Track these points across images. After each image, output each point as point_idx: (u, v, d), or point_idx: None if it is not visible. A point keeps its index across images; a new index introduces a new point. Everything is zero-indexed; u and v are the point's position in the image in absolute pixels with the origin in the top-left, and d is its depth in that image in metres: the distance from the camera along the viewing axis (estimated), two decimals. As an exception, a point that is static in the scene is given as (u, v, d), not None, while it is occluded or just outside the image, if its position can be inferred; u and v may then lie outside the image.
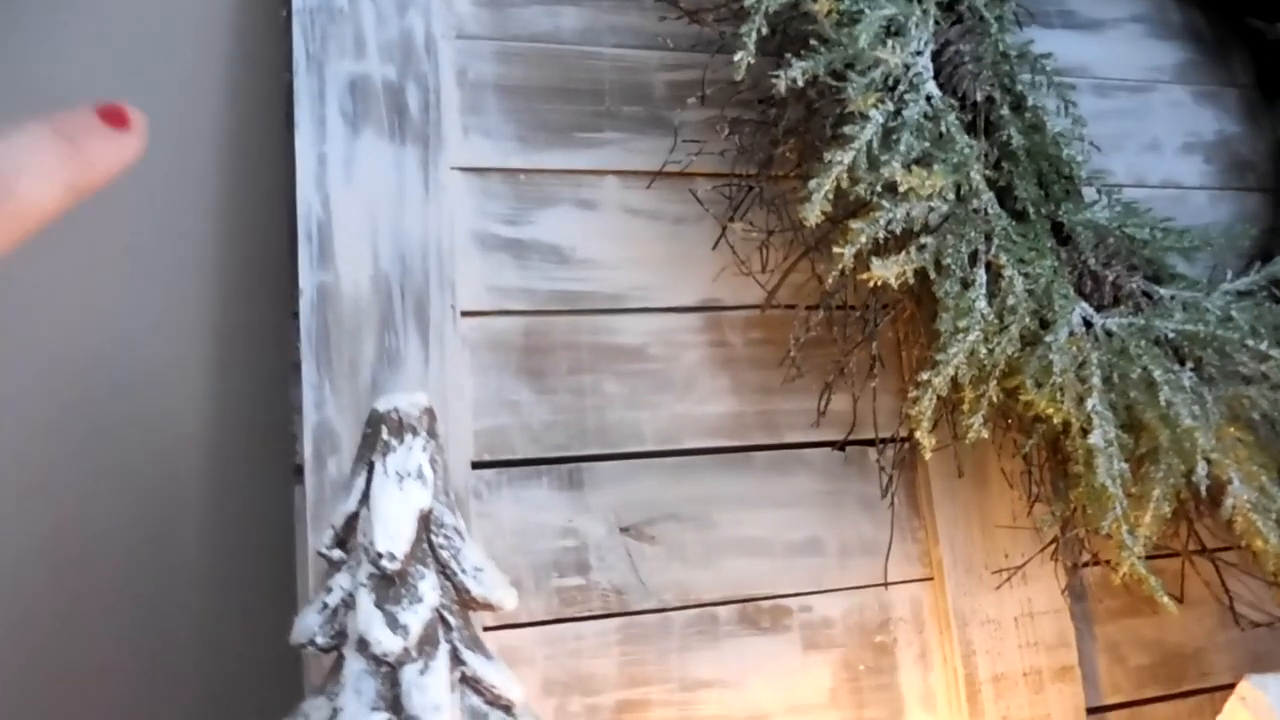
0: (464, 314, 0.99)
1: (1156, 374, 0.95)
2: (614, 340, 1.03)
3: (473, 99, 1.04)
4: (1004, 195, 1.03)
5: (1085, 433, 0.93)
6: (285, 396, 0.96)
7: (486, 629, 0.93)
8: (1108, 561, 1.00)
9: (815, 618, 1.02)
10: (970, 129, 1.04)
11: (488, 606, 0.70)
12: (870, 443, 1.06)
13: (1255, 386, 0.98)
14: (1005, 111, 1.04)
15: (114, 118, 0.39)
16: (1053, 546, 1.04)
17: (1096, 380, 0.95)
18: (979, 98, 1.04)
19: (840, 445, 1.06)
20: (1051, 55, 1.06)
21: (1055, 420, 0.94)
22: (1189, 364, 1.01)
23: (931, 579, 1.06)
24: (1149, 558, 1.08)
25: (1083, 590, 1.11)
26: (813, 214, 0.90)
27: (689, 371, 1.04)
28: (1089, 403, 0.93)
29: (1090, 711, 1.08)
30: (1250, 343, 0.99)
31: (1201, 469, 0.93)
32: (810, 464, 1.06)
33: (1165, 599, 0.93)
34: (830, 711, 1.01)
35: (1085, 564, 1.05)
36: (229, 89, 1.07)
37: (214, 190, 1.05)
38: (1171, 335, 1.00)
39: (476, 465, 0.96)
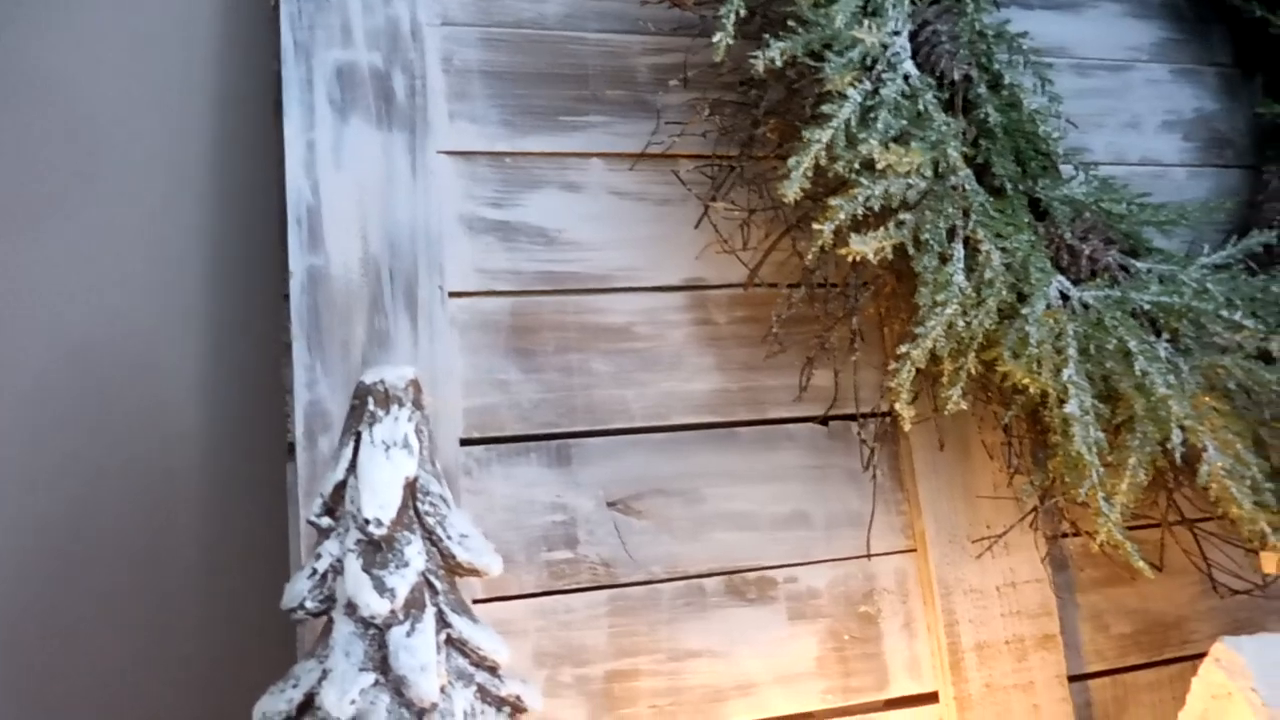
0: (452, 295, 1.01)
1: (1132, 344, 0.97)
2: (601, 319, 1.05)
3: (459, 85, 1.06)
4: (982, 172, 1.05)
5: (1062, 402, 0.95)
6: (278, 377, 0.98)
7: (478, 601, 0.96)
8: (1087, 531, 1.02)
9: (801, 588, 1.04)
10: (948, 107, 1.06)
11: (473, 572, 0.72)
12: (853, 417, 1.08)
13: (1230, 356, 1.00)
14: (982, 90, 1.06)
15: None
16: (1033, 516, 1.06)
17: (1073, 351, 0.96)
18: (956, 76, 1.06)
19: (824, 420, 1.08)
20: (1028, 34, 1.08)
21: (1033, 391, 0.95)
22: (1165, 335, 1.03)
23: (915, 550, 1.08)
24: (1130, 528, 1.10)
25: (1065, 560, 1.12)
26: (791, 191, 0.92)
27: (675, 349, 1.06)
28: (1065, 373, 0.95)
29: (1073, 679, 1.10)
30: (1225, 313, 1.01)
31: (1176, 437, 0.95)
32: (795, 439, 1.08)
33: (1142, 564, 0.95)
34: (817, 680, 1.03)
35: (1065, 534, 1.07)
36: (219, 79, 1.09)
37: (206, 178, 1.07)
38: (1147, 307, 1.02)
39: (466, 442, 0.98)
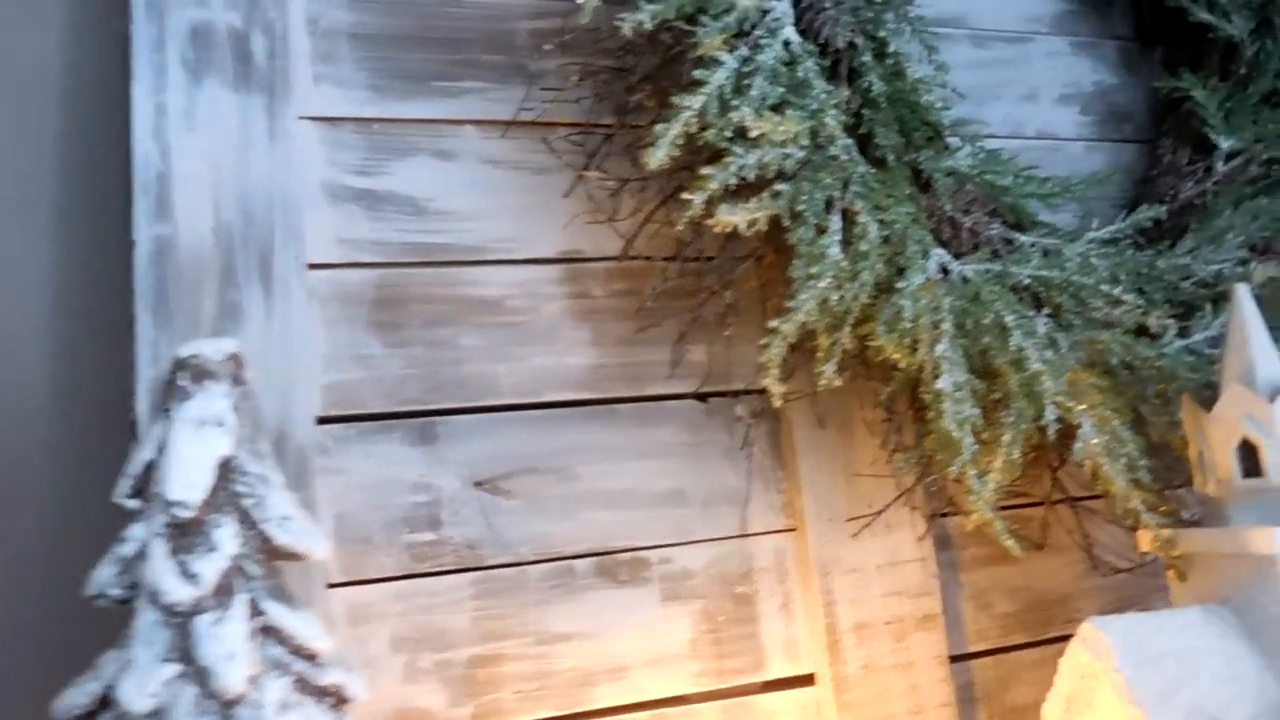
0: (312, 267, 0.97)
1: (1009, 319, 0.95)
2: (472, 292, 1.01)
3: (325, 47, 1.02)
4: (865, 143, 1.03)
5: (936, 378, 0.93)
6: (127, 353, 0.94)
7: (333, 585, 0.92)
8: (965, 510, 1.00)
9: (676, 569, 1.02)
10: (832, 75, 1.03)
11: (294, 555, 0.69)
12: (732, 394, 1.05)
13: (1109, 331, 0.99)
14: (868, 58, 1.03)
15: None
16: (911, 494, 1.04)
17: (948, 325, 0.95)
18: (841, 44, 1.03)
19: (702, 397, 1.06)
20: (915, 2, 1.05)
21: (904, 365, 0.94)
22: (1047, 310, 1.02)
23: (795, 529, 1.06)
24: (1014, 506, 1.09)
25: (949, 539, 1.11)
26: (655, 160, 0.89)
27: (550, 324, 1.03)
28: (939, 348, 0.93)
29: (955, 659, 1.08)
30: (1105, 288, 1.00)
31: (1051, 414, 0.93)
32: (674, 415, 1.05)
33: (1012, 543, 0.93)
34: (690, 662, 1.01)
35: (945, 513, 1.05)
36: (64, 39, 1.04)
37: (50, 143, 1.02)
38: (1028, 281, 1.00)
39: (325, 420, 0.95)
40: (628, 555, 1.01)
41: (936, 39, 1.21)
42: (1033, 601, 1.14)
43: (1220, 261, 1.10)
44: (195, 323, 0.91)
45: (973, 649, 1.11)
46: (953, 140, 1.08)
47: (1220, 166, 1.19)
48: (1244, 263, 1.10)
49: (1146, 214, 1.12)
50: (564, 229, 1.04)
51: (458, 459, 0.98)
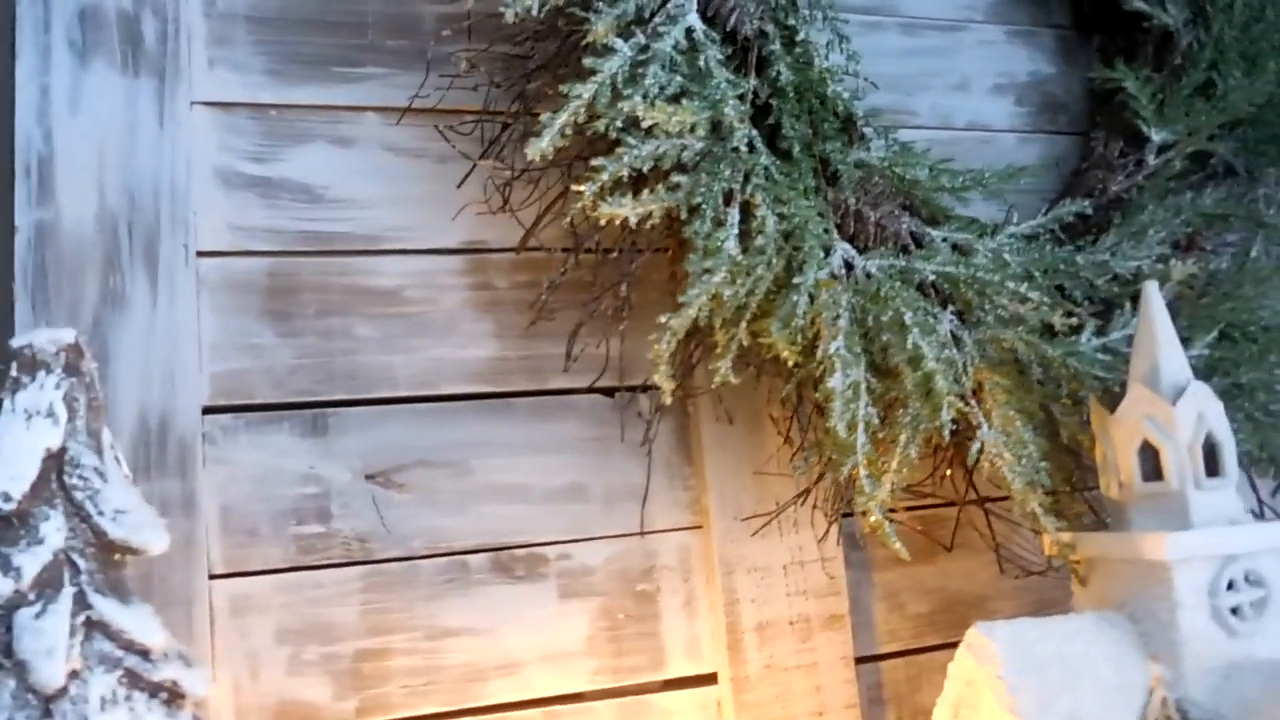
0: (202, 254, 0.95)
1: (907, 316, 0.93)
2: (368, 282, 1.00)
3: (221, 30, 1.00)
4: (774, 133, 1.00)
5: (828, 377, 0.91)
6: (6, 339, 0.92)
7: (216, 576, 0.91)
8: (863, 511, 0.98)
9: (574, 565, 1.00)
10: (741, 64, 1.01)
11: (129, 549, 0.67)
12: (636, 388, 1.03)
13: (1013, 329, 0.97)
14: (777, 46, 1.00)
15: None
16: (814, 494, 1.02)
17: (843, 323, 0.92)
18: (749, 32, 1.00)
19: (608, 391, 1.04)
20: (826, -11, 1.03)
21: (792, 363, 0.91)
22: (953, 307, 0.99)
23: (701, 526, 1.05)
24: (926, 506, 1.07)
25: (863, 538, 1.09)
26: (536, 150, 0.87)
27: (449, 314, 1.01)
28: (832, 345, 0.91)
29: (864, 660, 1.07)
30: (1011, 285, 0.97)
31: (947, 414, 0.91)
32: (577, 409, 1.03)
33: (900, 546, 0.91)
34: (587, 659, 0.99)
35: (849, 513, 1.03)
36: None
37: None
38: (933, 277, 0.98)
39: (211, 410, 0.93)
40: (524, 551, 0.99)
41: (864, 27, 1.20)
42: (947, 602, 1.12)
43: (1141, 258, 1.07)
44: (76, 309, 0.90)
45: (884, 649, 1.09)
46: (869, 131, 1.05)
47: (1151, 159, 1.16)
48: (1164, 259, 1.07)
49: (1068, 208, 1.09)
50: (467, 218, 1.02)
51: (349, 451, 0.96)
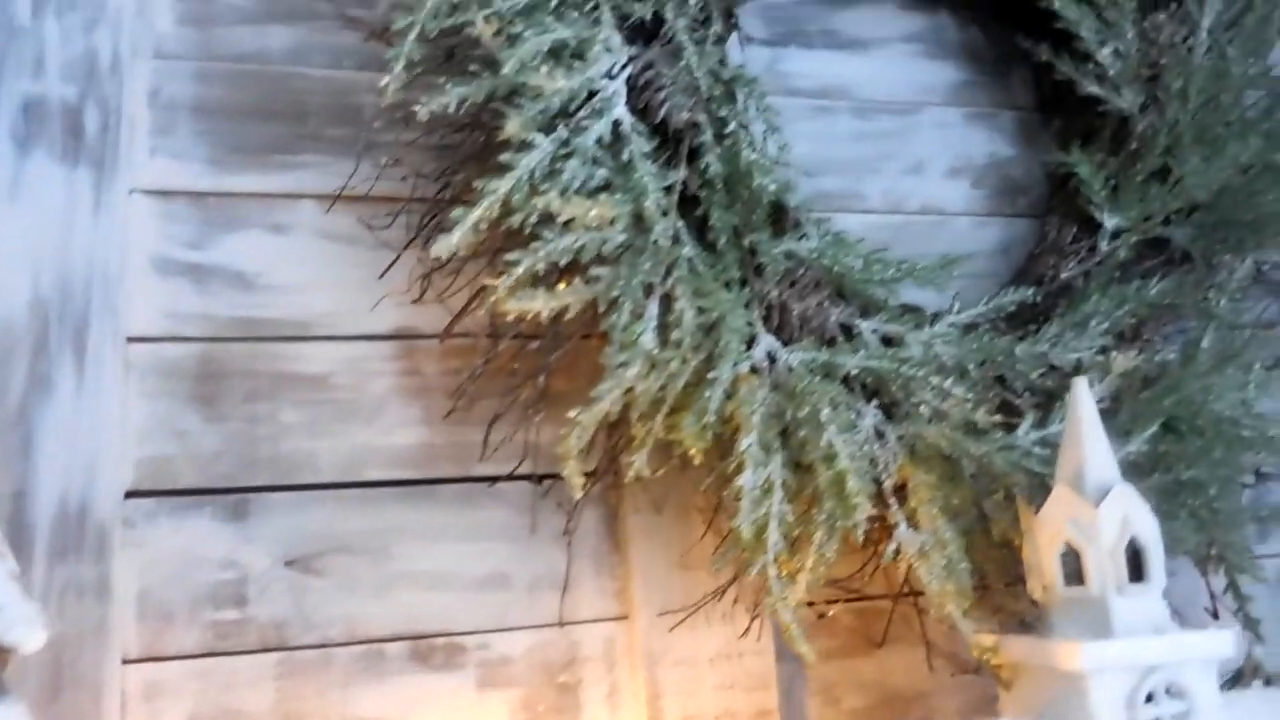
0: (134, 340, 0.97)
1: (824, 413, 0.92)
2: (297, 368, 1.01)
3: (165, 120, 1.02)
4: (703, 224, 1.00)
5: (738, 474, 0.90)
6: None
7: (129, 661, 0.92)
8: (809, 602, 0.97)
9: (494, 655, 1.00)
10: (673, 156, 1.01)
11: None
12: (557, 476, 1.03)
13: (935, 425, 0.95)
14: (708, 138, 1.01)
15: None
16: (739, 586, 1.00)
17: (757, 419, 0.92)
18: (680, 123, 1.01)
19: (536, 479, 1.04)
20: (757, 80, 1.03)
21: (697, 460, 0.91)
22: (877, 401, 0.98)
23: (627, 617, 1.03)
24: (860, 599, 1.06)
25: (800, 630, 1.07)
26: (445, 249, 0.88)
27: (377, 400, 1.02)
28: (744, 442, 0.90)
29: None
30: (935, 380, 0.96)
31: (860, 513, 0.89)
32: (503, 497, 1.03)
33: (806, 650, 0.90)
34: (504, 752, 0.98)
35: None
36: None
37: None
38: (856, 371, 0.97)
39: (132, 494, 0.95)
40: (442, 640, 0.99)
41: (815, 111, 1.20)
42: (885, 697, 1.09)
43: (1082, 349, 1.05)
44: (3, 395, 0.92)
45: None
46: (804, 220, 1.04)
47: (1104, 245, 1.14)
48: (1105, 351, 1.05)
49: (1010, 297, 1.08)
50: (399, 304, 1.03)
51: (269, 536, 0.97)
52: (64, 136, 0.98)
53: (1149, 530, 0.90)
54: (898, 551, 0.92)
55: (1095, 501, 0.89)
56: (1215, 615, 1.11)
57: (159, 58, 1.04)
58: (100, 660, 0.90)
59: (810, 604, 1.04)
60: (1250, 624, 1.08)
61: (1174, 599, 1.13)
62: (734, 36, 1.13)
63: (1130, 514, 0.89)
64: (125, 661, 0.92)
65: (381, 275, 1.02)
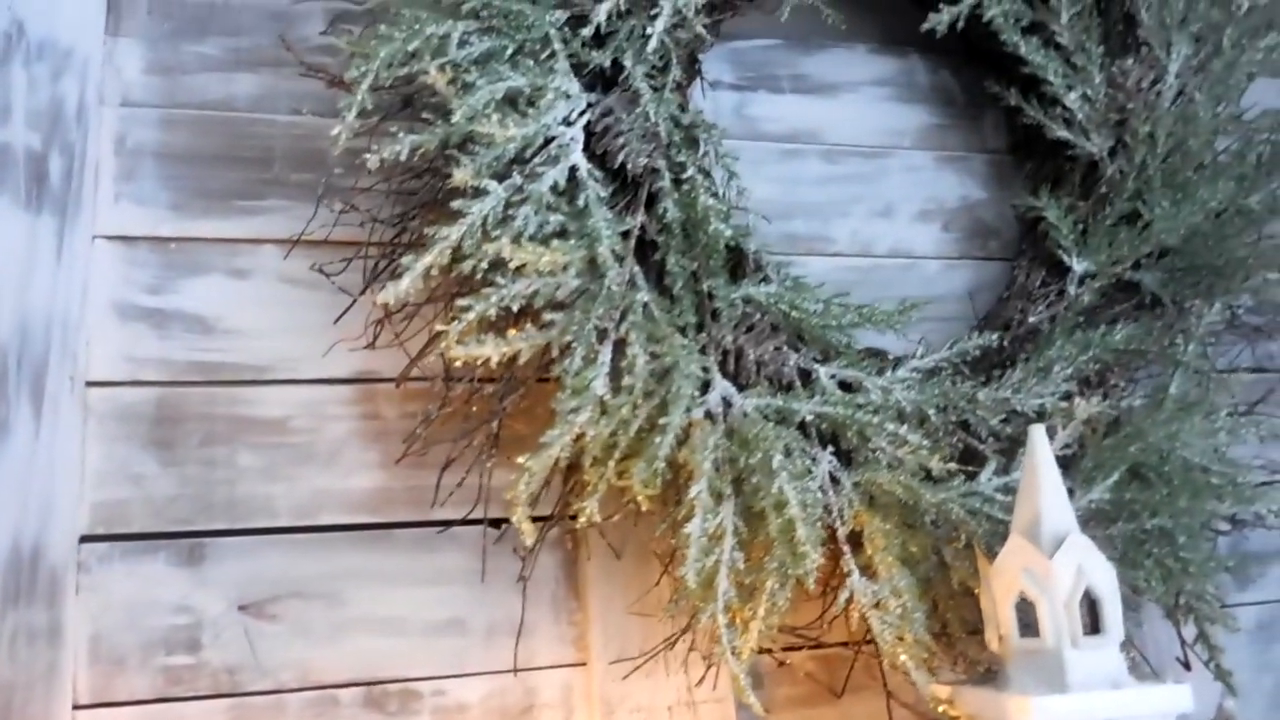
0: (93, 384, 0.98)
1: (775, 460, 0.91)
2: (253, 412, 1.01)
3: (129, 166, 1.04)
4: (661, 269, 1.00)
5: (686, 521, 0.90)
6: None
7: (80, 707, 0.92)
8: (766, 649, 0.96)
9: (449, 702, 0.99)
10: (630, 201, 1.02)
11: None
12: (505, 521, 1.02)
13: (891, 472, 0.94)
14: (665, 183, 1.01)
15: None
16: (693, 634, 0.99)
17: (708, 465, 0.91)
18: (638, 169, 1.01)
19: (494, 523, 1.03)
20: (716, 126, 1.03)
21: (645, 507, 0.90)
22: (833, 448, 0.97)
23: (585, 663, 1.03)
24: (821, 646, 1.04)
25: (760, 678, 1.06)
26: (392, 295, 0.88)
27: (335, 444, 1.02)
28: (694, 489, 0.90)
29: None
30: (890, 427, 0.95)
31: (810, 563, 0.89)
32: (460, 541, 1.03)
33: (753, 701, 0.88)
34: (456, 801, 0.97)
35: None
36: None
37: None
38: (811, 417, 0.96)
39: (87, 539, 0.95)
40: (397, 686, 0.98)
41: (783, 155, 1.20)
42: (849, 747, 1.08)
43: (1045, 395, 1.04)
44: (-41, 441, 0.93)
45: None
46: (762, 265, 1.04)
47: (1072, 290, 1.14)
48: (1068, 397, 1.04)
49: (973, 342, 1.07)
50: (357, 349, 1.04)
51: (224, 581, 0.97)
52: (28, 183, 1.00)
53: (1106, 581, 0.88)
54: (849, 600, 0.91)
55: (1050, 552, 0.88)
56: (1187, 666, 1.09)
57: (126, 105, 1.05)
58: (50, 706, 0.90)
59: (769, 651, 1.03)
60: (1221, 675, 1.06)
61: (1148, 649, 1.13)
62: (698, 82, 1.14)
63: (1086, 565, 0.88)
64: (76, 707, 0.91)
65: (336, 320, 1.02)
